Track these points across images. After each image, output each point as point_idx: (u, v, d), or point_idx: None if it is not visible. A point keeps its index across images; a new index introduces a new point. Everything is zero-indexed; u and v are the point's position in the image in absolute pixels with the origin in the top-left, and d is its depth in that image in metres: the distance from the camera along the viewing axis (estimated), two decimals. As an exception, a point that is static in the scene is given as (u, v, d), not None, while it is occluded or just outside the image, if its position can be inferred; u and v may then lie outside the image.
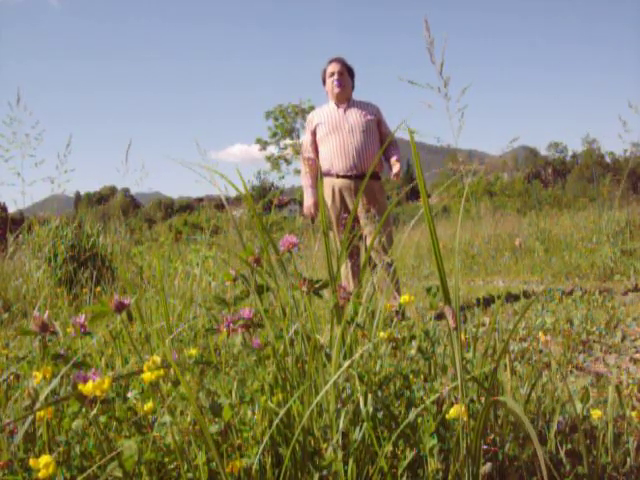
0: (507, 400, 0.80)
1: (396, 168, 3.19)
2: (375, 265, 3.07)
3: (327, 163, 3.26)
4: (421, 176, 0.87)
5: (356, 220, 3.25)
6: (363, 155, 3.21)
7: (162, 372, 0.83)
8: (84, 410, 0.78)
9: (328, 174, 3.27)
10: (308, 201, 3.38)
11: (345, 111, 3.30)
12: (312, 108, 30.13)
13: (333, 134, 3.26)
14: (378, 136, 3.32)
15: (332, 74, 3.34)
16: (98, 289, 3.19)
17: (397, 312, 1.20)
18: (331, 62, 3.38)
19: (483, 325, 2.73)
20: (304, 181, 3.41)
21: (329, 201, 3.28)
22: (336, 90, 3.30)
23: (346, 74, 3.36)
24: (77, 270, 3.83)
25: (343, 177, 3.22)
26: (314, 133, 3.38)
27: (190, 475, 0.82)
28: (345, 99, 3.34)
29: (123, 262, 4.37)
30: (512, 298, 3.63)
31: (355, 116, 3.27)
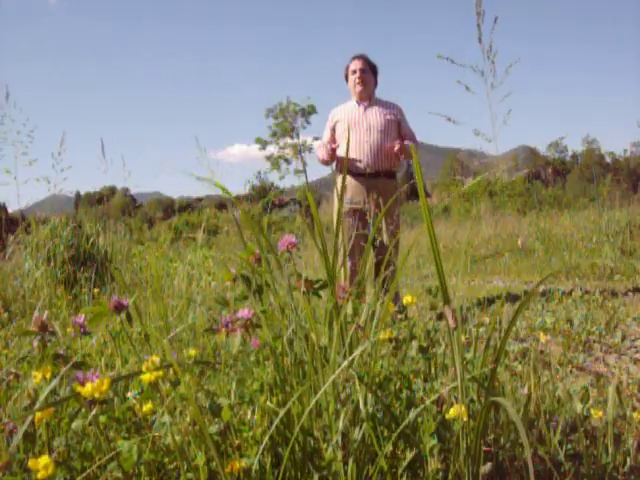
0: (502, 401, 0.80)
1: (397, 146, 3.09)
2: (377, 269, 3.04)
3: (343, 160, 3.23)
4: (420, 178, 0.87)
5: (364, 220, 3.20)
6: (378, 155, 3.17)
7: (161, 373, 0.83)
8: (84, 410, 0.78)
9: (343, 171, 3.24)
10: (325, 146, 3.23)
11: (365, 109, 3.27)
12: (312, 107, 30.08)
13: (350, 132, 3.21)
14: (397, 137, 3.24)
15: (354, 71, 3.30)
16: (97, 289, 3.19)
17: (400, 312, 1.20)
18: (354, 59, 3.34)
19: (483, 325, 2.73)
20: (320, 149, 3.29)
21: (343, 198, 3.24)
22: (358, 88, 3.27)
23: (369, 71, 3.32)
24: (76, 270, 3.83)
25: (357, 175, 3.20)
26: (333, 130, 3.36)
27: (190, 475, 0.82)
28: (367, 97, 3.30)
29: (122, 262, 4.36)
30: (512, 298, 3.62)
31: (375, 115, 3.24)
